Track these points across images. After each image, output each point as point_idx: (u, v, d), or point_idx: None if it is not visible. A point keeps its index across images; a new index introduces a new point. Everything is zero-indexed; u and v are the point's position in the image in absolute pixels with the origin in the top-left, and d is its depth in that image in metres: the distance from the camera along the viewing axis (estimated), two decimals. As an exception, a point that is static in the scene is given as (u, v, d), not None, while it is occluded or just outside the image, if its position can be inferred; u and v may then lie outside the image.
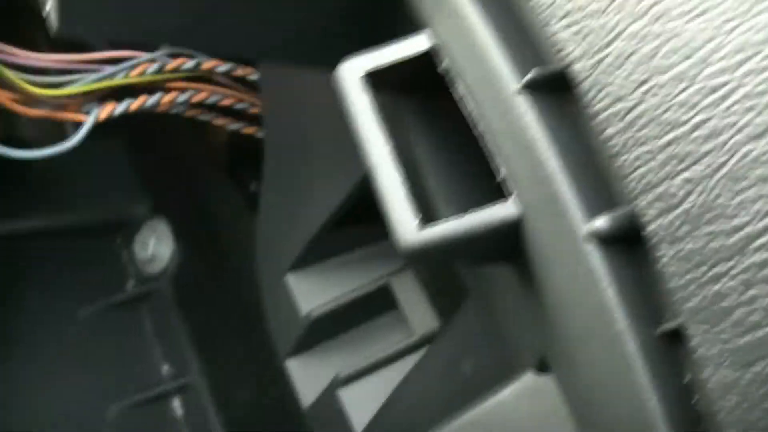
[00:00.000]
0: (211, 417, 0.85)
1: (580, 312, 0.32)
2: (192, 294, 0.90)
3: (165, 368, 0.91)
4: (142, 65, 0.70)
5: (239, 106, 0.74)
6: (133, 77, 0.71)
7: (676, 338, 0.30)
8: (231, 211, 0.87)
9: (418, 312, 0.62)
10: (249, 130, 0.77)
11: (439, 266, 0.56)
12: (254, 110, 0.75)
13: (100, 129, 0.87)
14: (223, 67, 0.72)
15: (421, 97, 0.40)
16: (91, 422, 0.86)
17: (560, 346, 0.35)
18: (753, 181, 0.28)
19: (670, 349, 0.31)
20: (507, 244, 0.35)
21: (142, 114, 0.76)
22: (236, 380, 0.84)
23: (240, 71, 0.73)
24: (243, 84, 0.74)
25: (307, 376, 0.66)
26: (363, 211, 0.54)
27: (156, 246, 0.93)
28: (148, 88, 0.72)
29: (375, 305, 0.65)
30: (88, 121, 0.69)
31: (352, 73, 0.37)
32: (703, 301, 0.29)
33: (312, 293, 0.64)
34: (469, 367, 0.49)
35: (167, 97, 0.71)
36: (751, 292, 0.28)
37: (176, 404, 0.89)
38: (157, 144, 0.96)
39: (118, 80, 0.70)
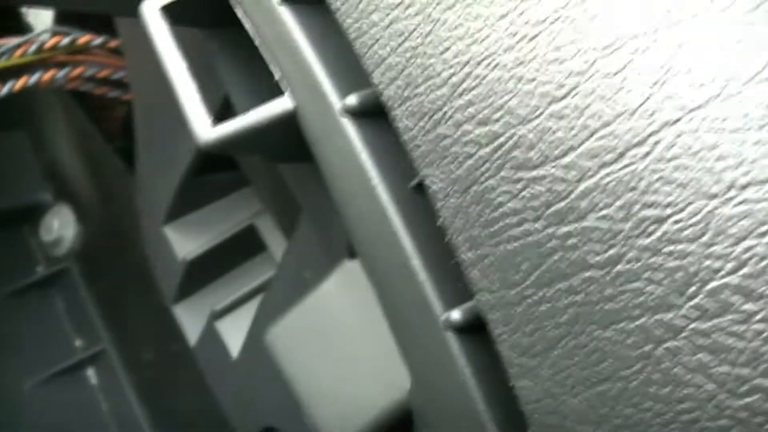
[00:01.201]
0: (122, 381, 0.90)
1: (346, 181, 0.39)
2: (97, 270, 0.95)
3: (77, 342, 0.95)
4: (23, 46, 0.76)
5: (117, 75, 0.80)
6: (15, 59, 0.76)
7: (422, 189, 0.37)
8: (125, 188, 0.92)
9: (281, 246, 0.68)
10: (129, 96, 0.82)
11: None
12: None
13: (2, 121, 0.93)
14: (97, 40, 0.77)
15: (222, 27, 0.46)
16: (9, 397, 0.90)
17: (347, 223, 0.41)
18: (453, 40, 0.34)
19: (420, 199, 0.37)
20: (291, 135, 0.41)
21: (41, 106, 0.81)
22: (141, 342, 0.89)
23: (113, 43, 0.78)
24: (118, 54, 0.80)
25: (191, 318, 0.71)
26: (223, 158, 0.60)
27: (60, 229, 0.98)
28: (29, 67, 0.77)
29: (246, 246, 0.70)
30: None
31: (151, 7, 0.43)
32: (430, 144, 0.35)
33: (187, 240, 0.69)
34: (309, 274, 0.55)
35: (47, 75, 0.77)
36: (463, 128, 0.34)
37: (90, 373, 0.94)
38: (57, 134, 1.01)
39: (2, 62, 0.75)
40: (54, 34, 0.76)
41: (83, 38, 0.77)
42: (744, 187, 0.29)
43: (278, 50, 0.40)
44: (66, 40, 0.76)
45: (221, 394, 0.68)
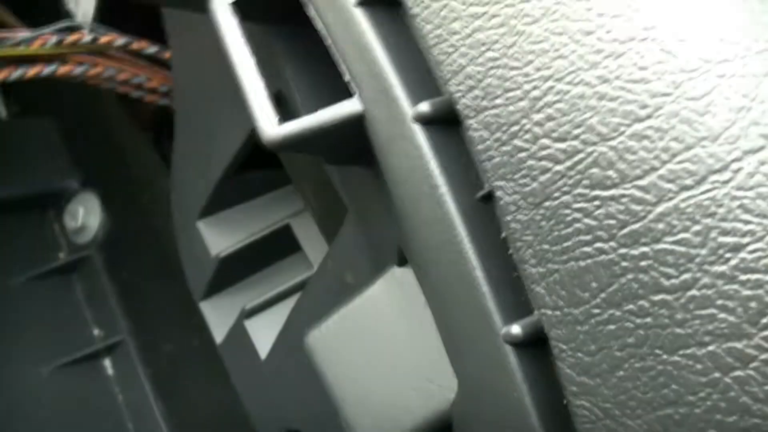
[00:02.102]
0: (139, 372, 0.90)
1: (412, 187, 0.38)
2: (120, 260, 0.95)
3: (96, 331, 0.95)
4: (42, 38, 0.76)
5: (136, 80, 0.80)
6: (33, 49, 0.76)
7: (489, 200, 0.37)
8: (155, 180, 0.92)
9: (316, 248, 0.68)
10: (151, 98, 0.82)
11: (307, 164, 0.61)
12: (150, 84, 0.80)
13: (33, 107, 0.93)
14: (119, 41, 0.77)
15: (288, 25, 0.46)
16: (26, 384, 0.90)
17: (405, 229, 0.41)
18: (536, 54, 0.34)
19: (486, 210, 0.37)
20: (356, 137, 0.41)
21: (74, 93, 0.81)
22: (162, 335, 0.89)
23: (135, 45, 0.78)
24: (139, 57, 0.80)
25: (219, 315, 0.71)
26: (264, 156, 0.60)
27: (85, 217, 0.98)
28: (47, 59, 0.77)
29: (279, 246, 0.70)
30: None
31: (222, 2, 0.43)
32: (504, 156, 0.35)
33: (221, 237, 0.69)
34: (351, 278, 0.54)
35: (63, 69, 0.77)
36: (540, 143, 0.34)
37: (107, 363, 0.94)
38: (87, 121, 1.01)
39: (20, 50, 0.75)
40: (72, 29, 0.76)
41: (105, 38, 0.76)
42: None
43: (350, 52, 0.40)
44: (88, 38, 0.76)
45: (245, 394, 0.68)
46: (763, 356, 0.30)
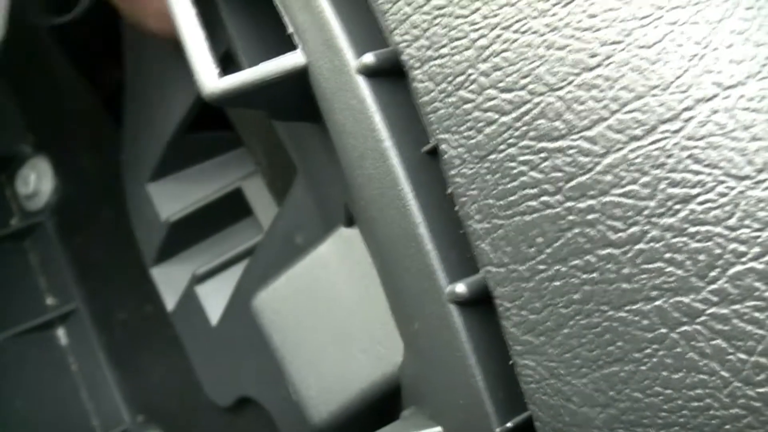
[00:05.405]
0: (93, 341, 0.88)
1: (356, 141, 0.37)
2: (73, 226, 0.93)
3: (49, 300, 0.93)
4: None
5: None
6: None
7: (435, 155, 0.35)
8: (109, 145, 0.90)
9: (268, 212, 0.66)
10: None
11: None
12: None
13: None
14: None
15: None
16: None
17: (351, 186, 0.40)
18: (483, 2, 0.33)
19: (432, 165, 0.36)
20: (301, 91, 0.39)
21: (27, 58, 0.78)
22: (115, 302, 0.87)
23: None
24: None
25: (170, 282, 0.69)
26: (216, 117, 0.59)
27: (37, 182, 0.95)
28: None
29: (231, 210, 0.69)
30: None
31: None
32: (449, 108, 0.34)
33: (171, 200, 0.68)
34: (301, 240, 0.53)
35: None
36: (486, 93, 0.33)
37: (61, 333, 0.92)
38: (40, 86, 0.98)
39: None
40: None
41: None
42: (780, 169, 0.28)
43: (294, 2, 0.38)
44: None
45: (197, 361, 0.67)
46: (711, 310, 0.29)
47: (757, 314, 0.28)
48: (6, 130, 0.97)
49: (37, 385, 0.88)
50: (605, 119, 0.30)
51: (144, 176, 0.67)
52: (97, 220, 0.89)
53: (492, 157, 0.33)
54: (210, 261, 0.66)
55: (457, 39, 0.33)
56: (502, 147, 0.32)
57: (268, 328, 0.47)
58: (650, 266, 0.30)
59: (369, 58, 0.36)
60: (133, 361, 0.86)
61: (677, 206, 0.29)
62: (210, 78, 0.38)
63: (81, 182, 0.91)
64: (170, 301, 0.69)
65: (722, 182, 0.29)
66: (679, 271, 0.29)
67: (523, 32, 0.32)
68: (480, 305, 0.35)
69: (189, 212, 0.66)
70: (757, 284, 0.28)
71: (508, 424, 0.34)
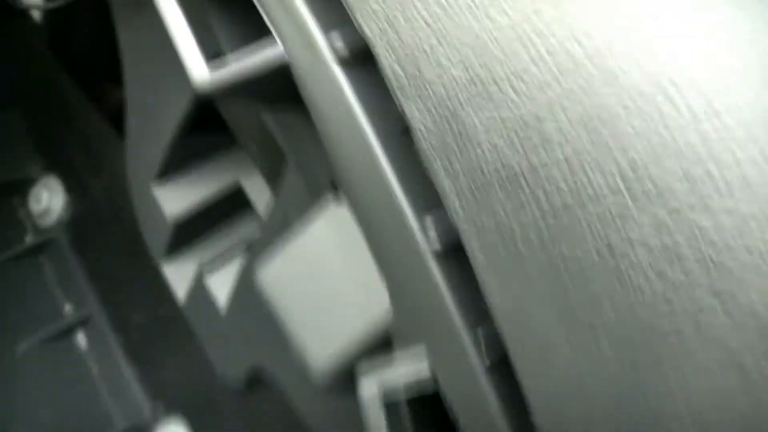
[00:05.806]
0: (111, 344, 0.93)
1: (336, 125, 0.41)
2: (85, 238, 0.98)
3: (67, 307, 0.98)
4: None
5: None
6: None
7: (409, 135, 0.39)
8: (116, 159, 0.94)
9: (267, 203, 0.71)
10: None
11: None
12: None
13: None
14: None
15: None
16: (1, 366, 0.92)
17: (336, 166, 0.44)
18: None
19: (409, 146, 0.40)
20: (286, 80, 0.43)
21: (35, 81, 0.82)
22: (130, 307, 0.92)
23: None
24: None
25: (180, 276, 0.74)
26: (214, 119, 0.63)
27: (49, 200, 1.00)
28: None
29: (232, 204, 0.73)
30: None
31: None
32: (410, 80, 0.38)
33: (175, 199, 0.72)
34: (295, 216, 0.57)
35: None
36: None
37: (80, 337, 0.97)
38: (48, 106, 1.03)
39: None
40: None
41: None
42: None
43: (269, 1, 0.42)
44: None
45: (210, 345, 0.71)
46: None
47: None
48: (17, 154, 1.02)
49: (61, 389, 0.93)
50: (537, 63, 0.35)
51: (148, 179, 0.71)
52: (108, 231, 0.94)
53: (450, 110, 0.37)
54: (215, 253, 0.71)
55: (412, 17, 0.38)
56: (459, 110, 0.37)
57: (272, 298, 0.52)
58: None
59: (339, 43, 0.40)
60: (150, 359, 0.90)
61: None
62: (200, 71, 0.43)
63: (91, 197, 0.96)
64: (181, 293, 0.73)
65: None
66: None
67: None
68: (455, 257, 0.39)
69: (193, 209, 0.70)
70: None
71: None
